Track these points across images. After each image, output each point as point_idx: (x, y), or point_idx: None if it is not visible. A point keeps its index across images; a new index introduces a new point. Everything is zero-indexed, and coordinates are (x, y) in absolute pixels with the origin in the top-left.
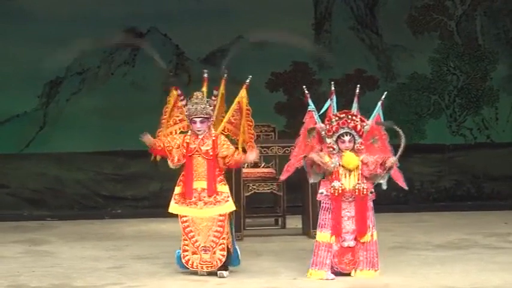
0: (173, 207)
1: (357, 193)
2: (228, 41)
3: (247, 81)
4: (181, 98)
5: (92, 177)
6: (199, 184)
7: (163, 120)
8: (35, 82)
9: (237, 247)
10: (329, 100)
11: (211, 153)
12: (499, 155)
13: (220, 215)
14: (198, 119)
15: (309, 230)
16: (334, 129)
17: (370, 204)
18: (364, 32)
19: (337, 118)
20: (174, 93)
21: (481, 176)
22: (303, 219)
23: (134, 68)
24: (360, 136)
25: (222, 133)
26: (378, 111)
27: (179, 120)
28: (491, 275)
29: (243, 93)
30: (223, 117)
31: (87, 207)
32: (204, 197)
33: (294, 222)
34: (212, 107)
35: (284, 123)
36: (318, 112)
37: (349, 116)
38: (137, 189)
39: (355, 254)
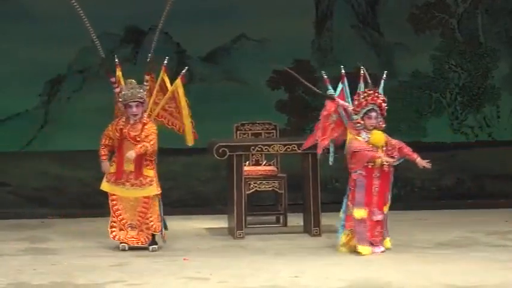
0: (104, 185)
1: (384, 169)
2: (229, 39)
3: (183, 71)
4: (116, 85)
5: (93, 175)
6: (128, 167)
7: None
8: (36, 80)
9: (163, 230)
10: (340, 84)
11: (138, 139)
12: (500, 153)
13: (144, 197)
14: (133, 103)
15: (310, 227)
16: (363, 104)
17: (392, 178)
18: (365, 30)
19: (365, 94)
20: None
21: (483, 174)
22: (305, 217)
23: (136, 66)
24: (382, 114)
25: (156, 119)
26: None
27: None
28: (493, 273)
29: (178, 83)
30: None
31: (88, 205)
32: (131, 178)
33: (296, 220)
34: (145, 92)
35: (285, 121)
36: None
37: (376, 94)
38: None
39: (383, 227)
